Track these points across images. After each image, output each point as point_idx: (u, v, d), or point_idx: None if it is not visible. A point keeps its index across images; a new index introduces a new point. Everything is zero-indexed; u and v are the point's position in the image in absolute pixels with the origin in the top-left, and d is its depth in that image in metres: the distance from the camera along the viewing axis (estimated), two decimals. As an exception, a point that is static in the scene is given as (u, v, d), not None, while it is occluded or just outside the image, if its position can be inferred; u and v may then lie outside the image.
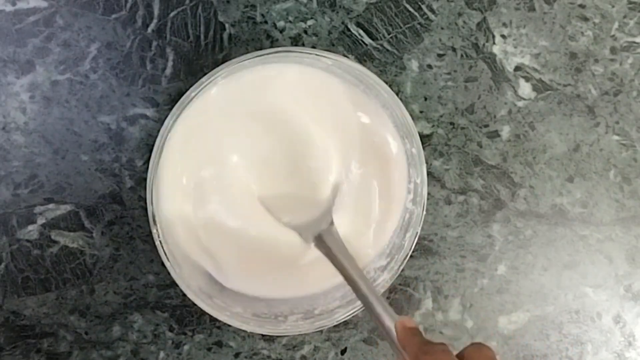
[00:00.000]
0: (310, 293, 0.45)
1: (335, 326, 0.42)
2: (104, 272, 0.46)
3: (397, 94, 0.42)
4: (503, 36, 0.49)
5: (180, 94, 0.40)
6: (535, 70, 0.49)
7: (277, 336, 0.47)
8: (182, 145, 0.42)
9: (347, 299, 0.43)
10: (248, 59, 0.39)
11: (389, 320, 0.36)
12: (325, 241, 0.41)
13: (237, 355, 0.47)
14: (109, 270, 0.46)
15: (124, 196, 0.45)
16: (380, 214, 0.44)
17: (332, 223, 0.42)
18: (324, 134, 0.43)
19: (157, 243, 0.39)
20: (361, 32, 0.48)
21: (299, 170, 0.44)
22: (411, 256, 0.43)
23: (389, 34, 0.48)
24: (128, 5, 0.45)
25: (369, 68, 0.43)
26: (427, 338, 0.34)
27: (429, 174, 0.48)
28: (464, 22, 0.49)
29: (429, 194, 0.48)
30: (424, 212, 0.42)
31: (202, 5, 0.46)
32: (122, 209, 0.45)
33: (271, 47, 0.46)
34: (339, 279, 0.40)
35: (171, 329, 0.46)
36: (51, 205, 0.45)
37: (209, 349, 0.47)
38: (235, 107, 0.43)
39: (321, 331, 0.48)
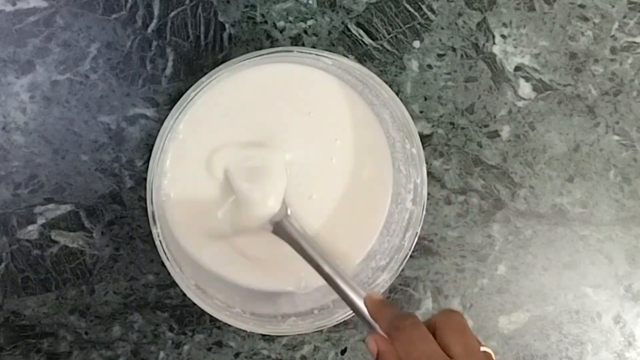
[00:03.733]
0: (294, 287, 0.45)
1: (335, 326, 0.42)
2: (104, 272, 0.46)
3: (397, 94, 0.42)
4: (503, 36, 0.49)
5: (180, 94, 0.40)
6: (535, 70, 0.49)
7: (277, 336, 0.47)
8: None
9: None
10: (248, 59, 0.39)
11: (357, 298, 0.37)
12: (284, 227, 0.42)
13: (237, 355, 0.47)
14: (109, 270, 0.46)
15: (124, 196, 0.45)
16: None
17: (288, 213, 0.43)
18: (317, 132, 0.44)
19: (157, 243, 0.39)
20: (361, 32, 0.48)
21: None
22: (411, 256, 0.43)
23: (389, 34, 0.48)
24: (128, 5, 0.45)
25: (369, 68, 0.43)
26: (396, 308, 0.35)
27: (429, 174, 0.48)
28: (464, 22, 0.49)
29: (429, 194, 0.48)
30: (424, 212, 0.42)
31: (202, 5, 0.46)
32: (122, 209, 0.45)
33: (271, 47, 0.46)
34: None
35: (171, 329, 0.46)
36: (51, 205, 0.45)
37: (209, 349, 0.47)
38: (235, 107, 0.43)
39: (321, 331, 0.48)
